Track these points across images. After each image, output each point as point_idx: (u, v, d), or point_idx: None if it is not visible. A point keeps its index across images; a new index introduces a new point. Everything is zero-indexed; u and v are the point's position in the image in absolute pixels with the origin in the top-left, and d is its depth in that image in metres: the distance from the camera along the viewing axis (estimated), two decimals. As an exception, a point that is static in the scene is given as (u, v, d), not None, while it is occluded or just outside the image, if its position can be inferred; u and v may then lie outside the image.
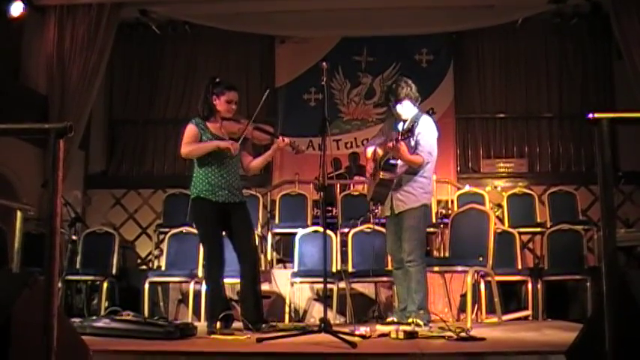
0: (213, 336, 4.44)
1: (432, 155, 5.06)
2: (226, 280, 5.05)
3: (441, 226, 7.64)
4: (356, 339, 3.85)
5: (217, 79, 4.96)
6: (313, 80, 9.12)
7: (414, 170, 5.01)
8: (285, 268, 7.78)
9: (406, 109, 5.13)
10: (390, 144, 4.82)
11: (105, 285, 7.02)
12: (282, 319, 6.48)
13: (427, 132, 5.02)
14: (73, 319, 4.47)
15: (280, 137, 4.97)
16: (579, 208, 8.21)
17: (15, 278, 2.85)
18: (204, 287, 5.24)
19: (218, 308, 4.75)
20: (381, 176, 5.00)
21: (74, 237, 7.35)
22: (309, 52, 10.09)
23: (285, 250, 8.30)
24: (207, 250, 4.93)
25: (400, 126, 5.13)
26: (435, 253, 7.69)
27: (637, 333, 2.47)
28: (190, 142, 4.83)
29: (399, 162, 4.99)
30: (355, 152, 9.82)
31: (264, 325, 4.69)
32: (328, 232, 6.43)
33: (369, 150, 5.32)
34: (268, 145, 5.10)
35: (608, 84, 10.16)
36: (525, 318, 6.54)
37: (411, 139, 4.88)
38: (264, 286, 6.75)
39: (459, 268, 5.49)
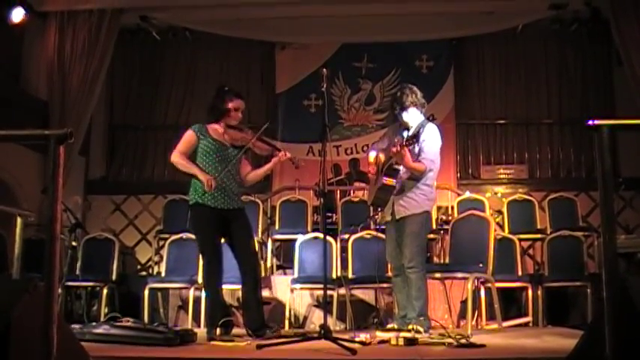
0: (212, 342, 4.45)
1: (435, 163, 5.05)
2: (226, 287, 5.06)
3: (441, 232, 7.63)
4: (356, 345, 3.85)
5: (226, 88, 5.10)
6: (313, 86, 9.13)
7: (416, 177, 5.01)
8: (285, 274, 7.78)
9: (412, 117, 5.13)
10: (395, 149, 4.82)
11: (105, 291, 7.02)
12: (282, 326, 6.46)
13: (431, 139, 5.02)
14: (73, 326, 4.47)
15: (282, 151, 5.01)
16: (579, 214, 8.21)
17: (15, 284, 2.85)
18: (204, 293, 5.24)
19: (218, 314, 4.75)
20: (383, 181, 5.00)
21: (74, 243, 7.34)
22: (310, 59, 10.10)
23: (285, 256, 8.29)
24: (205, 257, 4.94)
25: (405, 133, 5.12)
26: (435, 260, 7.68)
27: (637, 339, 2.47)
28: (183, 150, 4.92)
29: (402, 168, 4.99)
30: (355, 158, 9.82)
31: (268, 330, 4.70)
32: (328, 238, 6.43)
33: (372, 154, 5.32)
34: (268, 157, 5.16)
35: (608, 90, 10.15)
36: (526, 324, 6.53)
37: (416, 145, 4.88)
38: (264, 293, 6.73)
39: (459, 275, 5.49)
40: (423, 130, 4.97)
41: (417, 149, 4.96)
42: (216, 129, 4.96)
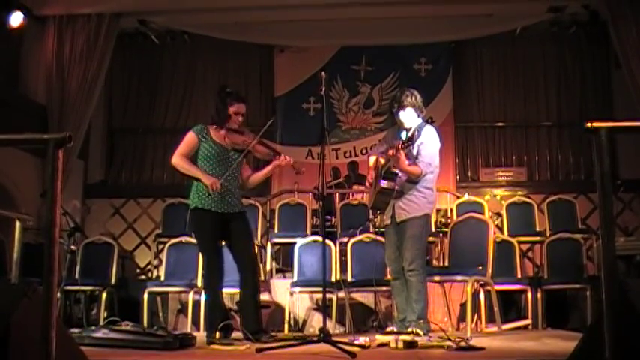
0: (212, 346, 4.44)
1: (432, 166, 5.04)
2: (225, 290, 5.05)
3: (441, 235, 7.63)
4: (355, 349, 3.85)
5: (228, 89, 5.02)
6: (312, 89, 9.14)
7: (413, 180, 5.01)
8: (284, 277, 7.78)
9: (409, 117, 5.12)
10: (391, 152, 4.82)
11: (104, 295, 7.01)
12: (281, 329, 6.46)
13: (429, 142, 5.02)
14: (72, 330, 4.47)
15: (283, 156, 4.98)
16: (578, 216, 8.21)
17: (14, 288, 2.85)
18: (203, 297, 5.24)
19: (217, 318, 4.75)
20: (382, 185, 4.99)
21: (73, 247, 7.34)
22: (308, 62, 10.10)
23: (284, 259, 8.29)
24: (206, 260, 4.93)
25: (404, 135, 5.12)
26: (435, 263, 7.68)
27: (637, 341, 2.47)
28: (184, 152, 4.89)
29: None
30: (354, 161, 9.82)
31: (264, 336, 4.68)
32: (327, 241, 6.42)
33: (372, 158, 5.32)
34: (268, 161, 5.13)
35: (606, 92, 10.16)
36: (525, 327, 6.53)
37: (412, 147, 4.88)
38: (264, 296, 6.73)
39: (459, 278, 5.49)
40: (421, 132, 4.96)
41: (414, 152, 4.96)
42: (218, 132, 4.95)
